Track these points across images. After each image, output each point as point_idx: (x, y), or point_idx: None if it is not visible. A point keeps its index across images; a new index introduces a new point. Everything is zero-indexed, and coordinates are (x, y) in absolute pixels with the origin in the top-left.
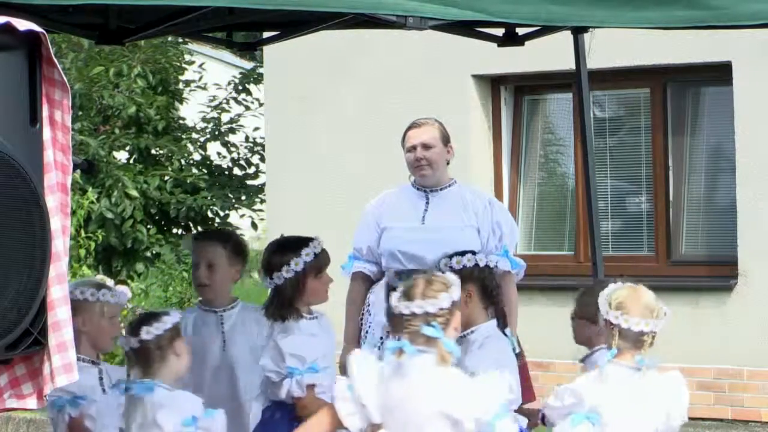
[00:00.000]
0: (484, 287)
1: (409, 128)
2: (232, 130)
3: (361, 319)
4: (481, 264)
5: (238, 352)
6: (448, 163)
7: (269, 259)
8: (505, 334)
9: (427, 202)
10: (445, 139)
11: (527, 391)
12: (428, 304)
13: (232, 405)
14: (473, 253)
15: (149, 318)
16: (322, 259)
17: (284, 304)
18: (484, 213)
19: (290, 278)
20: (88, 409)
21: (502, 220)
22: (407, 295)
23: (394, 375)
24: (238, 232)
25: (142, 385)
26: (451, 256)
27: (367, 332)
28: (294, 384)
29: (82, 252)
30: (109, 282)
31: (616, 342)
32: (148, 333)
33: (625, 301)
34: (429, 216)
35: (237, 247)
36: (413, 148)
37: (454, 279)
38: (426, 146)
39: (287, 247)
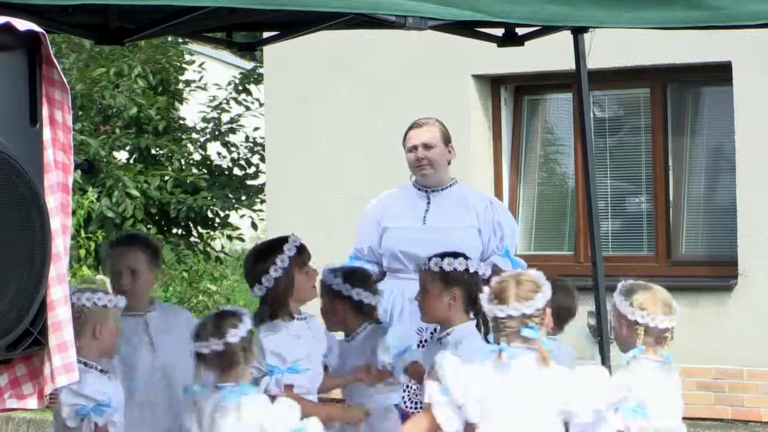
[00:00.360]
0: (470, 294)
1: (410, 128)
2: (232, 130)
3: None
4: (471, 270)
5: (167, 352)
6: (449, 163)
7: (253, 269)
8: (488, 341)
9: (428, 202)
10: (446, 139)
11: None
12: (524, 306)
13: (169, 408)
14: (465, 257)
15: (229, 318)
16: (304, 253)
17: (277, 303)
18: (486, 213)
19: (280, 276)
20: (112, 416)
21: (504, 220)
22: (500, 298)
23: (495, 375)
24: (238, 232)
25: (237, 390)
26: (442, 256)
27: None
28: (272, 382)
29: (82, 252)
30: (108, 283)
31: (641, 340)
32: (234, 335)
33: (646, 302)
34: (430, 216)
35: (155, 251)
36: (414, 148)
37: (542, 277)
38: (427, 146)
39: (267, 250)
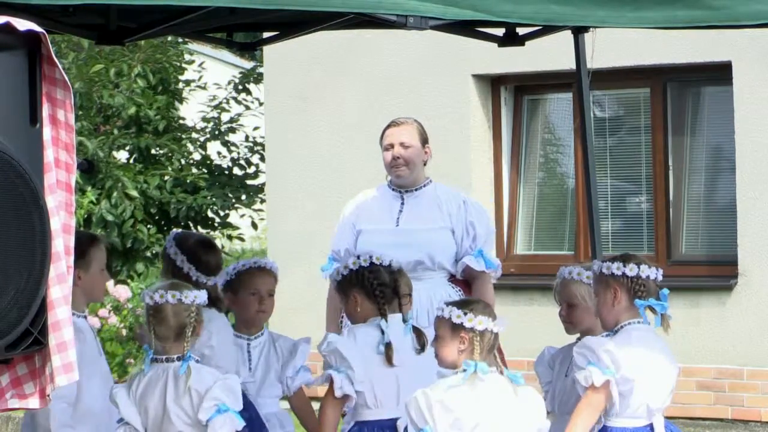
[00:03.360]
0: (365, 288)
1: (388, 127)
2: (232, 130)
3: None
4: (355, 267)
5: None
6: (425, 164)
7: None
8: (405, 320)
9: (402, 203)
10: (424, 140)
11: None
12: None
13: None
14: (346, 266)
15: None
16: None
17: None
18: (458, 213)
19: None
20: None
21: (476, 219)
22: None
23: (657, 342)
24: (238, 232)
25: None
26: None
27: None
28: None
29: None
30: (110, 284)
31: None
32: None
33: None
34: (403, 218)
35: None
36: (391, 146)
37: None
38: (404, 145)
39: None
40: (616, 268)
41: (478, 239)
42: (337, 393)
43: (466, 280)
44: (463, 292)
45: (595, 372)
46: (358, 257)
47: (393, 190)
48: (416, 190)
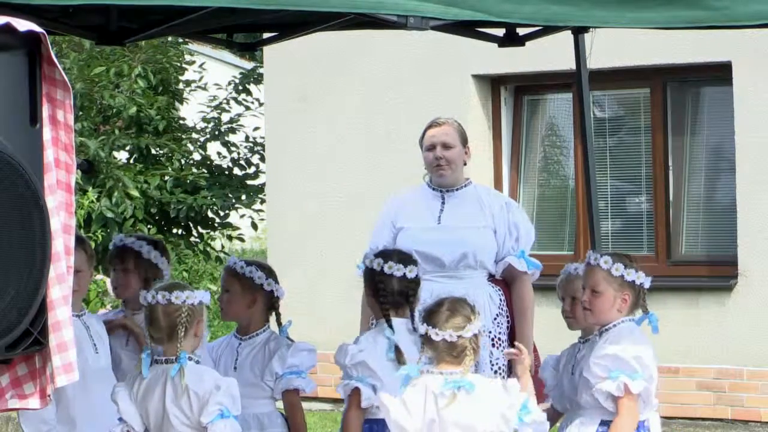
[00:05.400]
0: (371, 288)
1: (429, 127)
2: (232, 130)
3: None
4: (370, 266)
5: (105, 354)
6: (465, 164)
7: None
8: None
9: (443, 202)
10: (464, 140)
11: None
12: None
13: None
14: (370, 258)
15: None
16: None
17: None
18: (501, 214)
19: None
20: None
21: (519, 221)
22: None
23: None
24: (238, 232)
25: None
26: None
27: None
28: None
29: None
30: (108, 283)
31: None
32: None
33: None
34: (445, 216)
35: (91, 250)
36: (433, 147)
37: None
38: (446, 146)
39: None
40: (638, 277)
41: (520, 240)
42: (364, 404)
43: (505, 279)
44: (503, 291)
45: (627, 380)
46: (375, 257)
47: (433, 189)
48: (457, 190)
